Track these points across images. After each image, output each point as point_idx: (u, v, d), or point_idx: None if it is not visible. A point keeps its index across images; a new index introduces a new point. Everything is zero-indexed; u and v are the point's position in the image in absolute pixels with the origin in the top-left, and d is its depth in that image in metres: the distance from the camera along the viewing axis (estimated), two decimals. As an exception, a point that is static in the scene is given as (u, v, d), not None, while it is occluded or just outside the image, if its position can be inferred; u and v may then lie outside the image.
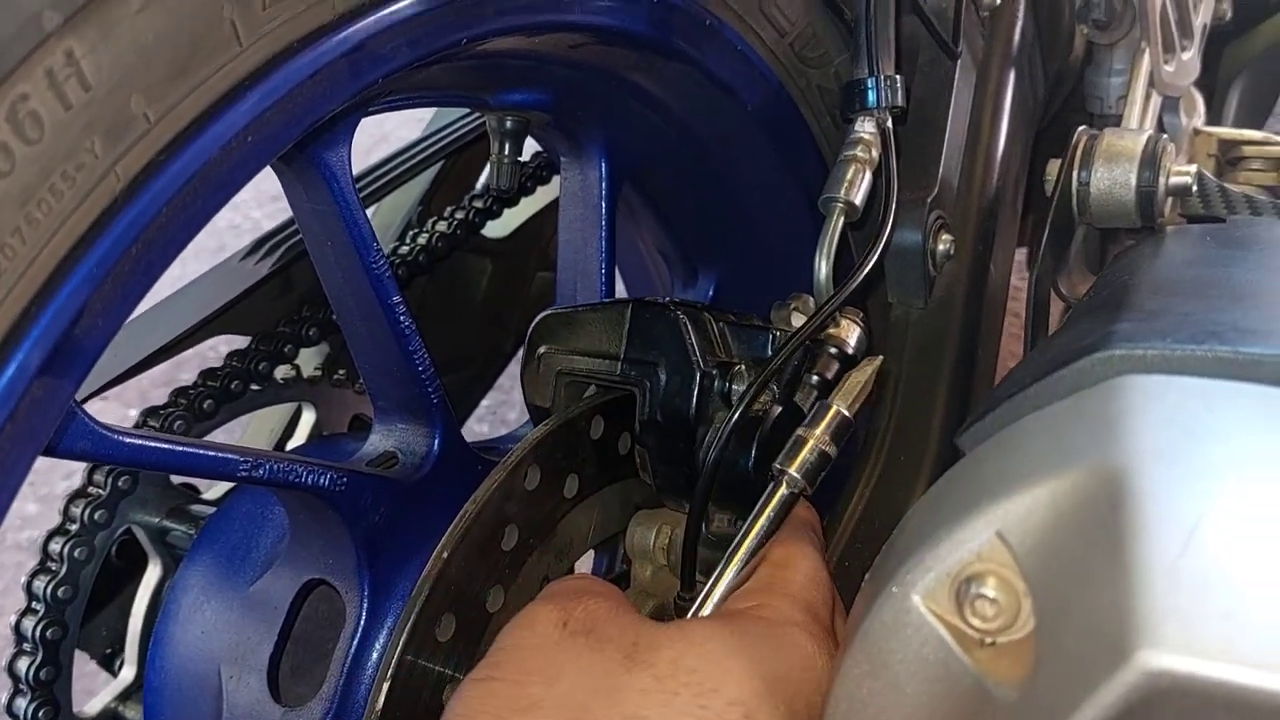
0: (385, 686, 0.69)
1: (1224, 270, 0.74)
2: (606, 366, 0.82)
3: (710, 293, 1.17)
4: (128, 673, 0.97)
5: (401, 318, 0.80)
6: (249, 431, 1.16)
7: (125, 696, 0.98)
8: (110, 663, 1.01)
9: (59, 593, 0.90)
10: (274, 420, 1.13)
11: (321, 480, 0.76)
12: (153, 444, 0.66)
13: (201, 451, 0.68)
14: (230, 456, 0.70)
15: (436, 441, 0.84)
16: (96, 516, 0.92)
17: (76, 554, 0.90)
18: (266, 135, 0.58)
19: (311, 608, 0.87)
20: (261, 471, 0.72)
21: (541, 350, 0.86)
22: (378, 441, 0.88)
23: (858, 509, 0.91)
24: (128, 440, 0.64)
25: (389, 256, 1.15)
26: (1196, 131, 1.25)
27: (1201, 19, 1.27)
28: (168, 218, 0.54)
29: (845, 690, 0.51)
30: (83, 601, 0.92)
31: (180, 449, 0.67)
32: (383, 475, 0.81)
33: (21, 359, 0.49)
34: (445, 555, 0.72)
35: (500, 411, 2.09)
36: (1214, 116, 1.47)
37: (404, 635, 0.69)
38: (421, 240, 1.18)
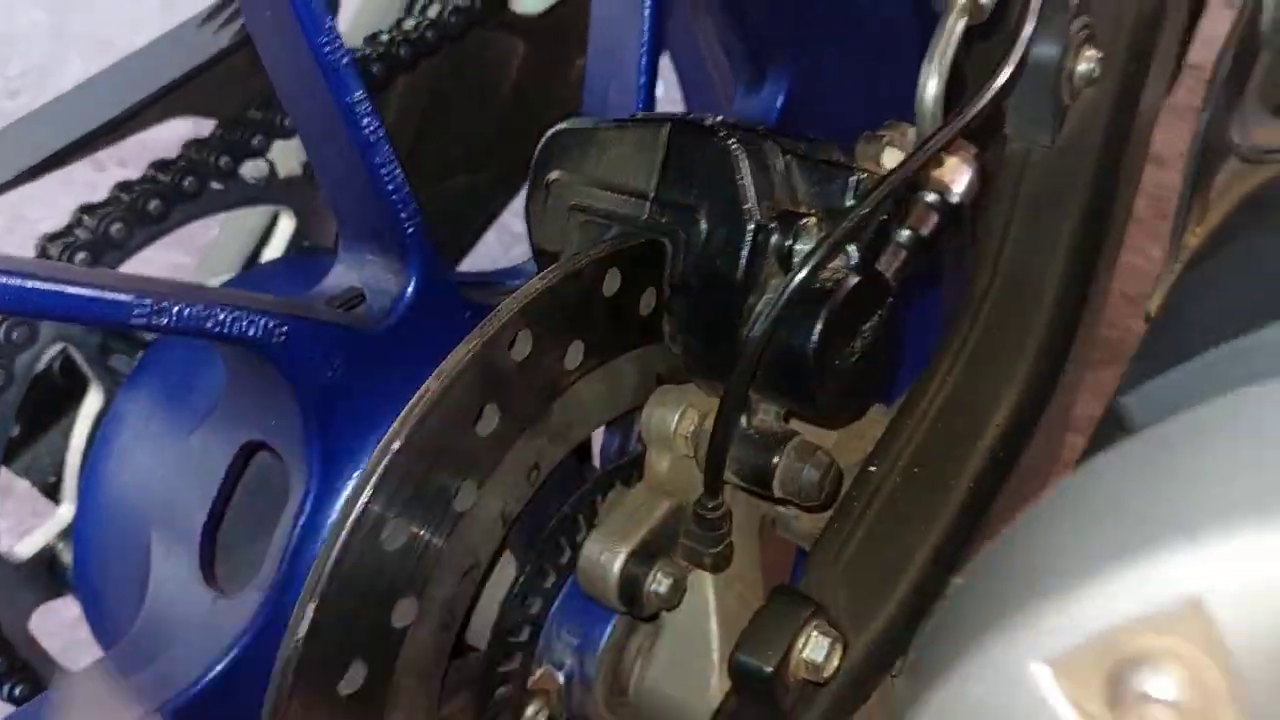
0: (311, 607, 0.54)
1: None
2: (632, 207, 0.63)
3: (779, 103, 0.96)
4: (67, 510, 0.84)
5: (364, 120, 0.61)
6: (218, 240, 0.98)
7: (66, 535, 0.85)
8: (54, 492, 0.89)
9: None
10: (247, 228, 0.95)
11: (252, 330, 0.59)
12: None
13: (69, 289, 0.51)
14: (118, 297, 0.53)
15: (412, 281, 0.67)
16: (15, 336, 0.76)
17: (-10, 378, 0.76)
18: None
19: (258, 474, 0.73)
20: (167, 318, 0.56)
21: (553, 176, 0.66)
22: (342, 274, 0.70)
23: (936, 400, 0.73)
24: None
25: (390, 31, 0.95)
26: None
27: None
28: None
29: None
30: (3, 435, 0.78)
31: (31, 285, 0.49)
32: (338, 323, 0.64)
33: None
34: (396, 447, 0.56)
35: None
36: None
37: (336, 548, 0.54)
38: (432, 12, 0.96)
